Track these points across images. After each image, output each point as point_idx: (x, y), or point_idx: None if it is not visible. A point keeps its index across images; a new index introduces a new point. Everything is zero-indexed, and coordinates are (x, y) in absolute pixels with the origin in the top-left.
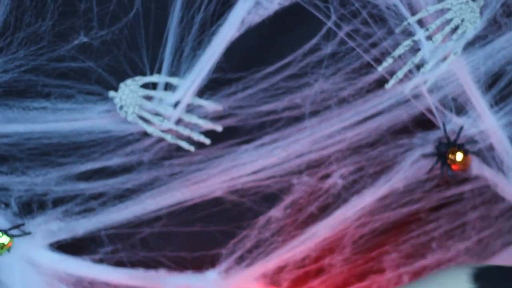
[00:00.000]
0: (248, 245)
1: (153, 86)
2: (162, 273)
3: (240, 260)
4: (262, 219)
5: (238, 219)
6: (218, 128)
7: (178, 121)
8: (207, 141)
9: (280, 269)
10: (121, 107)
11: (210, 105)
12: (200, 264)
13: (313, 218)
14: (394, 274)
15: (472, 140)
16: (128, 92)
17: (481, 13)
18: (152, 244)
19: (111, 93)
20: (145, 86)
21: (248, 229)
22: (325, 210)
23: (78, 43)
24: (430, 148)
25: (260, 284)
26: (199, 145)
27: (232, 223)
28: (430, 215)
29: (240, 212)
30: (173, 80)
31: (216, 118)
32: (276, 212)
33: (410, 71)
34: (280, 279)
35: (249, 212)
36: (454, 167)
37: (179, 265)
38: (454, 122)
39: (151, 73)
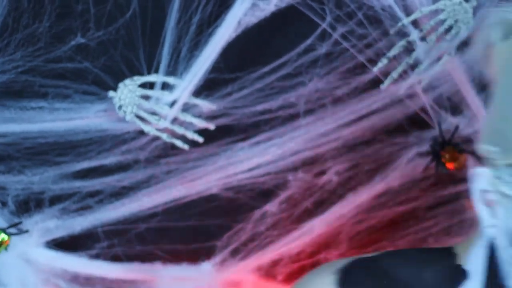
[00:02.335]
0: (243, 238)
1: (151, 86)
2: (157, 266)
3: (235, 252)
4: (257, 213)
5: (233, 214)
6: (211, 126)
7: (174, 120)
8: (200, 139)
9: (275, 263)
10: (120, 107)
11: (205, 105)
12: (195, 256)
13: (309, 213)
14: None
15: (467, 139)
16: (127, 92)
17: (474, 13)
18: (148, 238)
19: (111, 93)
20: (143, 85)
21: (243, 223)
22: (320, 206)
23: (75, 44)
24: (425, 147)
25: (255, 276)
26: (195, 144)
27: (227, 217)
28: (426, 214)
29: (235, 207)
30: (170, 80)
31: (212, 117)
32: (272, 206)
33: (404, 72)
34: (275, 273)
35: (244, 207)
36: (448, 165)
37: (175, 257)
38: (450, 121)
39: (149, 73)
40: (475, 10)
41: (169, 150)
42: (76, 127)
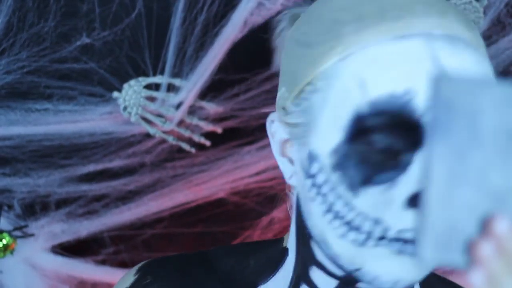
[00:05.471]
0: None
1: (156, 87)
2: None
3: None
4: (264, 220)
5: (240, 220)
6: (218, 129)
7: (180, 123)
8: (207, 142)
9: None
10: (125, 108)
11: (211, 107)
12: None
13: None
14: None
15: None
16: (132, 93)
17: (484, 13)
18: (154, 245)
19: (115, 94)
20: (148, 87)
21: (250, 230)
22: None
23: (81, 44)
24: None
25: None
26: (201, 147)
27: (234, 224)
28: None
29: (242, 213)
30: (176, 81)
31: (218, 119)
32: (279, 213)
33: None
34: None
35: (251, 213)
36: None
37: None
38: None
39: (154, 74)
40: (486, 9)
41: (176, 153)
42: (82, 130)
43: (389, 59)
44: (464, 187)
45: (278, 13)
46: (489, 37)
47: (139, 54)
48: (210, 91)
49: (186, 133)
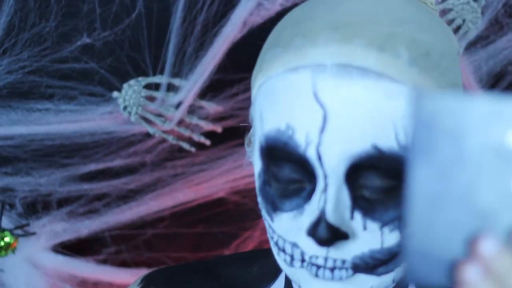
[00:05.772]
0: (250, 246)
1: (156, 86)
2: None
3: None
4: None
5: (240, 220)
6: (218, 128)
7: (180, 122)
8: (207, 141)
9: None
10: (124, 108)
11: (211, 106)
12: None
13: None
14: None
15: None
16: (132, 93)
17: (482, 13)
18: (155, 245)
19: (115, 94)
20: (148, 86)
21: (250, 230)
22: None
23: (81, 44)
24: None
25: None
26: (202, 146)
27: (234, 224)
28: None
29: (242, 213)
30: (176, 81)
31: (218, 119)
32: None
33: None
34: None
35: (251, 213)
36: None
37: None
38: None
39: (154, 74)
40: (484, 9)
41: (176, 153)
42: (83, 129)
43: (277, 93)
44: (448, 207)
45: (277, 13)
46: (487, 37)
47: (139, 54)
48: (210, 90)
49: (186, 133)
